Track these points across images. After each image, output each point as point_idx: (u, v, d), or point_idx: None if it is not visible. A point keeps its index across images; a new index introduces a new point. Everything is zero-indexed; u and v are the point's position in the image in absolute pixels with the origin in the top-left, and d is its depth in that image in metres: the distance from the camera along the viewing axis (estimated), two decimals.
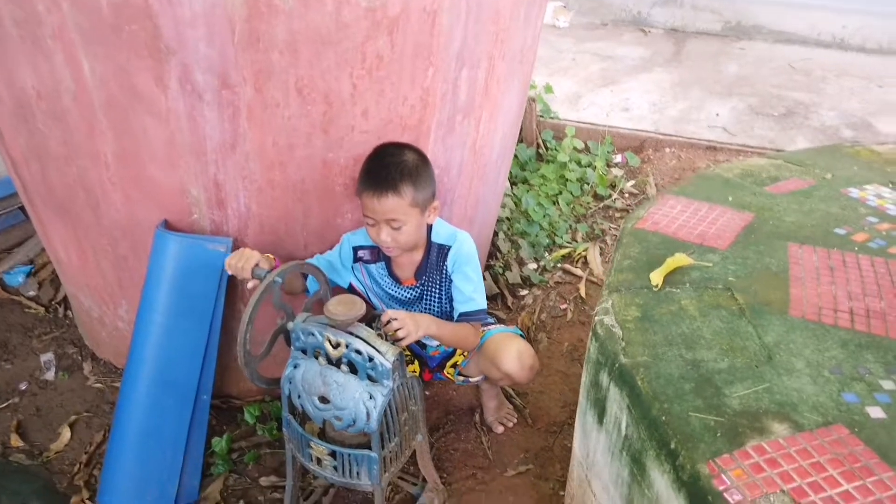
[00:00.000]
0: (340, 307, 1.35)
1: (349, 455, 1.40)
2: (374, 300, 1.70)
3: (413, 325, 1.42)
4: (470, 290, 1.57)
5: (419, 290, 1.62)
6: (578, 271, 2.60)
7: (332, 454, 1.41)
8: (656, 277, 1.29)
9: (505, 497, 1.68)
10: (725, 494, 0.86)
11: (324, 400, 1.37)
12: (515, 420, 1.89)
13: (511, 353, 1.59)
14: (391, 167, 1.44)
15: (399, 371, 1.36)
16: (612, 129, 3.33)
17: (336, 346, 1.36)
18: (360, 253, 1.64)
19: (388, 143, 1.53)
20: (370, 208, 1.47)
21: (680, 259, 1.32)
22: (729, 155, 3.11)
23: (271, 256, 1.50)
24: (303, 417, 1.47)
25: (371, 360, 1.33)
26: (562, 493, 1.67)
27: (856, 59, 4.30)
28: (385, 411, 1.37)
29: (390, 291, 1.65)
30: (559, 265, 2.64)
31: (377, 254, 1.62)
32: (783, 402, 0.99)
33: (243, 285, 1.58)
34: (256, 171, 1.55)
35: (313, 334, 1.37)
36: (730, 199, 1.64)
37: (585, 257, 2.68)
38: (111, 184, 1.58)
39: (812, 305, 1.21)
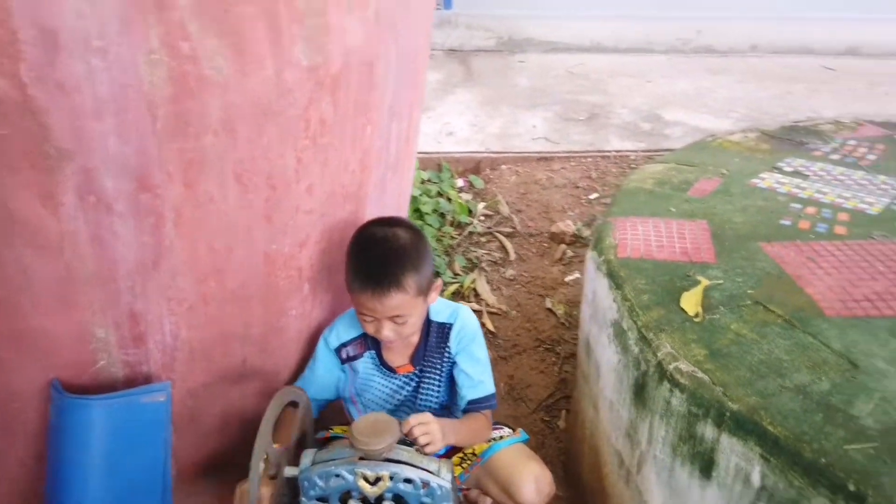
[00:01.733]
0: (372, 433, 1.09)
1: None
2: (358, 408, 1.44)
3: (440, 433, 1.20)
4: (479, 373, 1.38)
5: (416, 379, 1.39)
6: (476, 305, 2.51)
7: None
8: (693, 307, 1.25)
9: None
10: None
11: None
12: None
13: (528, 482, 1.33)
14: (389, 257, 1.22)
15: (455, 489, 1.13)
16: (447, 156, 3.31)
17: (375, 482, 1.09)
18: (345, 351, 1.37)
19: (372, 221, 1.30)
20: (369, 307, 1.22)
21: (704, 283, 1.30)
22: (562, 163, 3.26)
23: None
24: None
25: (426, 484, 1.09)
26: None
27: (617, 59, 4.84)
28: None
29: (381, 386, 1.40)
30: None
31: (364, 343, 1.37)
32: None
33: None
34: (187, 288, 1.20)
35: (340, 476, 1.09)
36: (671, 209, 1.67)
37: (475, 289, 2.61)
38: None
39: (837, 302, 1.26)
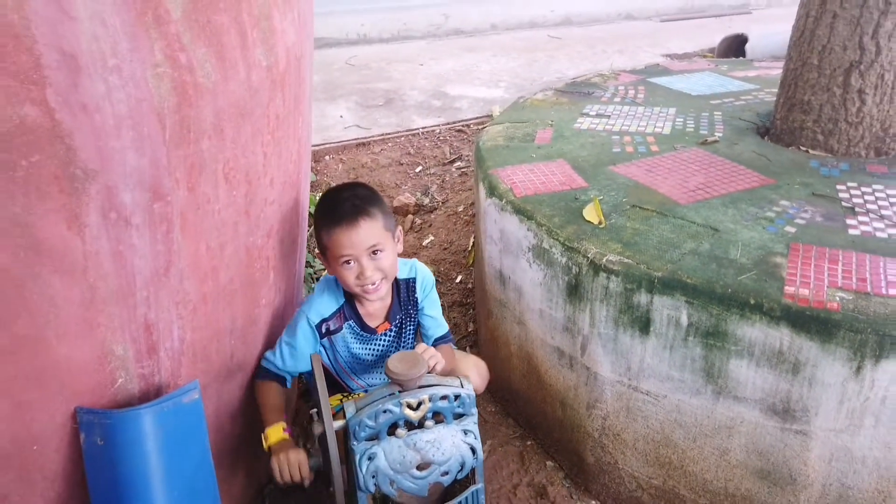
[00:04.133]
0: (405, 366, 1.28)
1: (462, 501, 1.36)
2: (348, 374, 1.58)
3: (440, 354, 1.43)
4: (439, 315, 1.61)
5: (395, 333, 1.57)
6: None
7: None
8: (596, 217, 1.61)
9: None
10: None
11: (422, 467, 1.29)
12: None
13: (471, 368, 1.60)
14: (353, 198, 1.41)
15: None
16: None
17: (417, 406, 1.28)
18: (326, 325, 1.49)
19: (333, 187, 1.47)
20: (346, 244, 1.38)
21: (595, 199, 1.67)
22: (380, 145, 3.52)
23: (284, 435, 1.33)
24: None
25: (457, 397, 1.31)
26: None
27: (386, 48, 5.18)
28: None
29: (361, 350, 1.55)
30: None
31: (342, 316, 1.51)
32: (758, 245, 1.46)
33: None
34: (191, 290, 1.26)
35: (388, 410, 1.26)
36: (532, 156, 2.04)
37: None
38: None
39: (682, 194, 1.72)
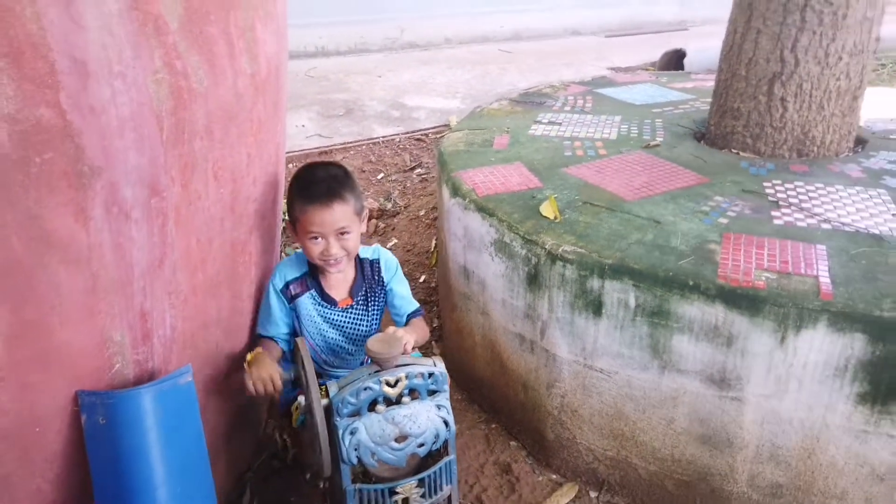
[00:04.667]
0: (384, 346, 1.40)
1: (435, 473, 1.48)
2: (309, 341, 1.68)
3: (412, 337, 1.55)
4: (408, 293, 1.73)
5: (358, 309, 1.68)
6: None
7: (420, 482, 1.46)
8: (552, 212, 1.76)
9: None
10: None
11: (400, 439, 1.41)
12: None
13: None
14: (330, 179, 1.53)
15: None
16: None
17: (395, 384, 1.40)
18: (291, 288, 1.61)
19: (311, 163, 1.58)
20: (317, 222, 1.50)
21: (551, 196, 1.82)
22: (342, 153, 3.63)
23: (261, 350, 1.40)
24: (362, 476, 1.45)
25: (431, 375, 1.44)
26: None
27: (343, 60, 5.30)
28: None
29: (325, 324, 1.66)
30: None
31: (305, 283, 1.62)
32: (695, 235, 1.63)
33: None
34: (183, 282, 1.35)
35: (369, 388, 1.38)
36: (491, 159, 2.19)
37: None
38: None
39: (628, 192, 1.89)
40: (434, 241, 2.95)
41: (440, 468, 1.49)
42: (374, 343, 1.39)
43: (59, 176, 1.06)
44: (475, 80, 5.00)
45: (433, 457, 1.50)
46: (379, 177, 3.44)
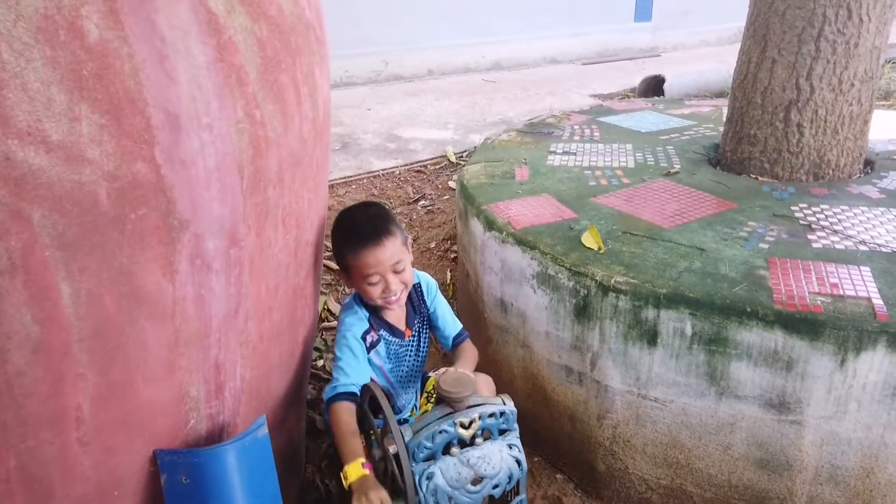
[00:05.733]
0: (458, 386, 1.39)
1: None
2: (391, 382, 1.67)
3: (470, 369, 1.56)
4: (451, 315, 1.73)
5: (415, 337, 1.69)
6: (333, 323, 2.74)
7: None
8: (595, 243, 1.78)
9: None
10: None
11: (475, 482, 1.39)
12: None
13: (483, 382, 1.71)
14: (373, 218, 1.54)
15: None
16: None
17: (469, 425, 1.39)
18: (369, 338, 1.58)
19: (347, 209, 1.60)
20: (372, 263, 1.50)
21: (592, 227, 1.84)
22: (344, 187, 3.61)
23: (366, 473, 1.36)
24: None
25: (502, 414, 1.43)
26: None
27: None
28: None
29: (396, 361, 1.65)
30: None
31: (374, 329, 1.60)
32: (741, 261, 1.67)
33: None
34: (252, 330, 1.33)
35: (444, 431, 1.36)
36: (518, 192, 2.21)
37: (328, 309, 2.83)
38: (80, 446, 1.09)
39: (664, 220, 1.92)
40: (449, 274, 2.95)
41: None
42: (447, 383, 1.38)
43: (151, 231, 1.04)
44: (464, 109, 5.05)
45: (502, 497, 1.49)
46: None
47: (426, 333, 1.73)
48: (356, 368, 1.55)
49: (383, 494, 1.31)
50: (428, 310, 1.72)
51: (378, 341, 1.62)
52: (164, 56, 1.01)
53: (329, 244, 1.68)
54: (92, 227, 0.97)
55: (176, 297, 1.12)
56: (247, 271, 1.25)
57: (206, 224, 1.13)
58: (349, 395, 1.51)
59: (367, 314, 1.62)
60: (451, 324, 1.75)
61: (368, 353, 1.61)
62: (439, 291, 1.76)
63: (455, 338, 1.75)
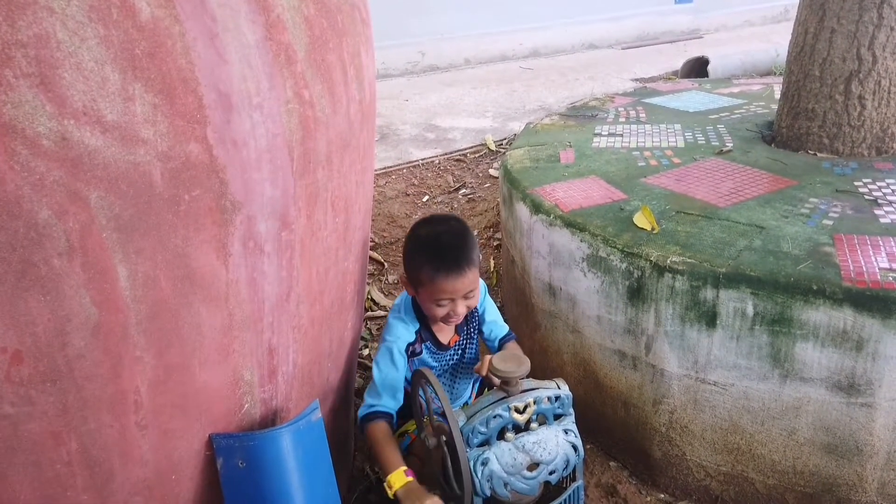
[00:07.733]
0: (511, 364, 1.36)
1: (565, 501, 1.43)
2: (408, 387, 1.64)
3: None
4: (499, 317, 1.70)
5: (462, 344, 1.65)
6: (378, 312, 2.74)
7: None
8: (648, 224, 1.73)
9: None
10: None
11: (531, 467, 1.36)
12: None
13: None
14: (458, 243, 1.47)
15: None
16: None
17: (524, 410, 1.36)
18: (412, 348, 1.56)
19: (425, 220, 1.52)
20: (450, 291, 1.45)
21: (644, 207, 1.79)
22: (384, 178, 3.61)
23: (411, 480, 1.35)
24: None
25: (557, 398, 1.39)
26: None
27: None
28: None
29: (438, 363, 1.63)
30: None
31: (420, 339, 1.58)
32: (804, 238, 1.60)
33: None
34: (304, 314, 1.32)
35: (499, 415, 1.34)
36: (564, 175, 2.16)
37: (371, 297, 2.83)
38: (139, 429, 1.09)
39: (718, 199, 1.85)
40: (493, 262, 2.92)
41: (569, 495, 1.44)
42: (499, 362, 1.36)
43: (204, 212, 1.04)
44: (503, 98, 5.00)
45: (557, 483, 1.46)
46: (424, 199, 3.42)
47: (475, 341, 1.70)
48: (391, 388, 1.53)
49: (436, 499, 1.29)
50: (477, 311, 1.69)
51: (421, 352, 1.60)
52: (214, 34, 1.00)
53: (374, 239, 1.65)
54: (147, 208, 0.96)
55: (229, 279, 1.12)
56: (298, 254, 1.24)
57: (258, 206, 1.12)
58: (384, 415, 1.51)
59: (418, 325, 1.59)
60: (498, 327, 1.72)
61: (409, 359, 1.59)
62: (488, 293, 1.73)
63: (502, 339, 1.72)
